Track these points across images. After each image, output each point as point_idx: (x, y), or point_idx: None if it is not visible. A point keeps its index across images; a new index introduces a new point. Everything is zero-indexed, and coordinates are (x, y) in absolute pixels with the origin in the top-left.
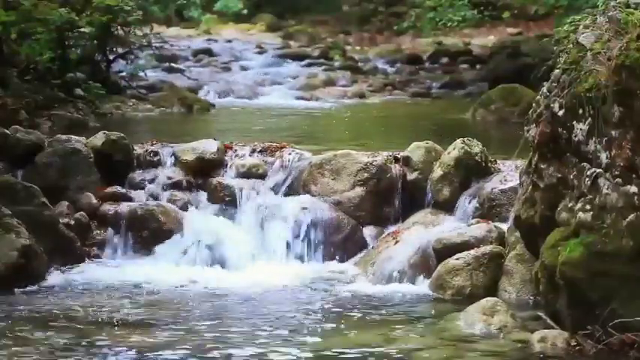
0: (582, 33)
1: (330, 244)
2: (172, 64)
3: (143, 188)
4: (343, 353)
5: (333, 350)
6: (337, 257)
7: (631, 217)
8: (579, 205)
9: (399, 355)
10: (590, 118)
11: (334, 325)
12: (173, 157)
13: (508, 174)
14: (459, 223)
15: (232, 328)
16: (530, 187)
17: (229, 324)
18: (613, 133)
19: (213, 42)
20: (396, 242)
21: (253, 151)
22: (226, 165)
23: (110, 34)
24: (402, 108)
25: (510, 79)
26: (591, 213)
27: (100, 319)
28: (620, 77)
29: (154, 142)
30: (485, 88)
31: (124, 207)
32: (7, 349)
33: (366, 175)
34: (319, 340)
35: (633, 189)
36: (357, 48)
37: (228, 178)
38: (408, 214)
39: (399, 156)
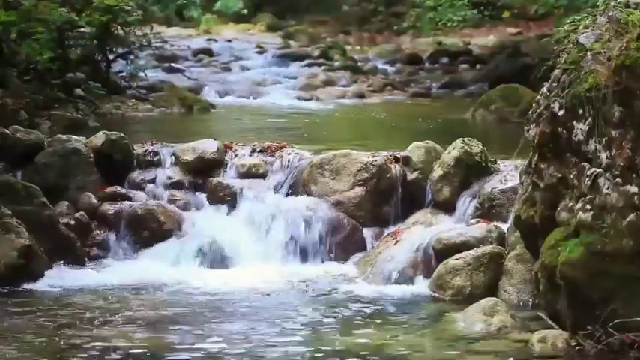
0: (582, 33)
1: (330, 244)
2: (172, 64)
3: (143, 188)
4: (343, 353)
5: (333, 350)
6: (337, 257)
7: (631, 217)
8: (579, 205)
9: (399, 355)
10: (590, 118)
11: (334, 325)
12: (173, 157)
13: (508, 174)
14: (458, 223)
15: (232, 328)
16: (530, 187)
17: (229, 324)
18: (613, 133)
19: (213, 42)
20: (396, 242)
21: (253, 151)
22: (226, 165)
23: (110, 34)
24: (402, 108)
25: (510, 79)
26: (591, 213)
27: (99, 319)
28: (620, 77)
29: (154, 142)
30: (485, 88)
31: (124, 207)
32: (7, 349)
33: (366, 175)
34: (319, 340)
35: (633, 189)
36: (357, 48)
37: (228, 178)
38: (408, 214)
39: (399, 156)
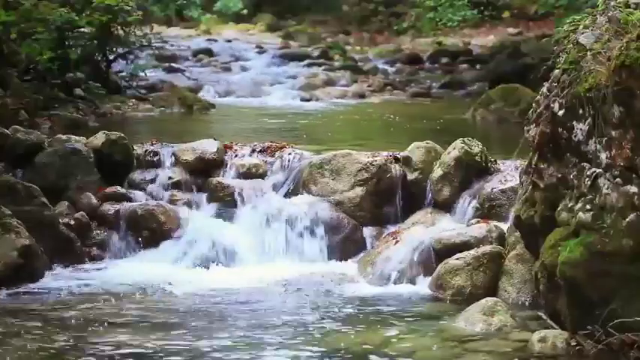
0: (582, 33)
1: (330, 244)
2: (172, 64)
3: (143, 188)
4: (343, 353)
5: (333, 350)
6: (337, 257)
7: (631, 217)
8: (579, 205)
9: (399, 355)
10: (590, 118)
11: (334, 325)
12: (173, 157)
13: (508, 174)
14: (458, 223)
15: (232, 329)
16: (530, 187)
17: (229, 324)
18: (613, 133)
19: (213, 42)
20: (396, 242)
21: (253, 151)
22: (226, 165)
23: (110, 34)
24: (402, 108)
25: (510, 79)
26: (591, 213)
27: (99, 320)
28: (620, 77)
29: (154, 142)
30: (485, 88)
31: (124, 207)
32: (7, 348)
33: (366, 175)
34: (319, 340)
35: (633, 189)
36: (357, 48)
37: (228, 178)
38: (408, 214)
39: (399, 156)
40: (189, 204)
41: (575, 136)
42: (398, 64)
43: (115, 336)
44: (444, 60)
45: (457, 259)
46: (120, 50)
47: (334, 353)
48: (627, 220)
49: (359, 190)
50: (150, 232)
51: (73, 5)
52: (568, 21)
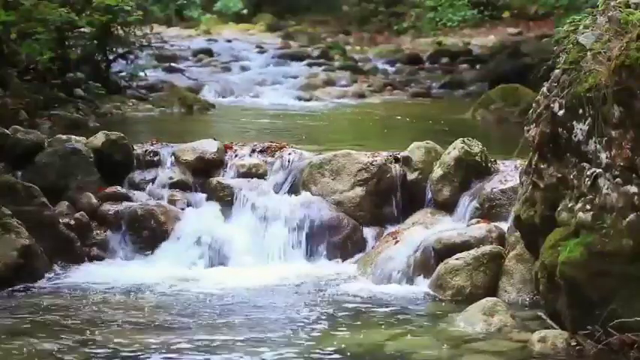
0: (582, 33)
1: (330, 244)
2: (172, 64)
3: (143, 188)
4: (343, 353)
5: (333, 350)
6: (337, 257)
7: (631, 217)
8: (579, 205)
9: (399, 355)
10: (590, 118)
11: (334, 325)
12: (173, 157)
13: (508, 174)
14: (458, 223)
15: (232, 329)
16: (530, 187)
17: (229, 324)
18: (613, 133)
19: (213, 42)
20: (396, 242)
21: (253, 151)
22: (226, 165)
23: (110, 34)
24: (402, 108)
25: (510, 79)
26: (591, 213)
27: (99, 320)
28: (620, 77)
29: (154, 142)
30: (485, 88)
31: (124, 207)
32: (7, 349)
33: (366, 175)
34: (319, 340)
35: (633, 189)
36: (357, 48)
37: (228, 178)
38: (408, 214)
39: (399, 156)
40: (189, 204)
41: (575, 136)
42: (398, 64)
43: (114, 336)
44: (444, 60)
45: (457, 259)
46: (120, 50)
47: (334, 353)
48: (627, 220)
49: (359, 190)
50: (150, 232)
51: (73, 5)
52: (568, 21)
